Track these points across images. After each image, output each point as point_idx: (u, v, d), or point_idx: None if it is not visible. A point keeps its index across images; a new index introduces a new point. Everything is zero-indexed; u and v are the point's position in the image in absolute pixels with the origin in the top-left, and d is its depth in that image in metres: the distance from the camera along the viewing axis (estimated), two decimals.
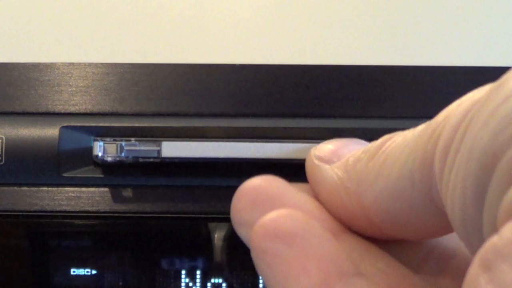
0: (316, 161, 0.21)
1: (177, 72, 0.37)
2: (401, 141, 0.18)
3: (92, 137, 0.37)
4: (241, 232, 0.20)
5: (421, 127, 0.18)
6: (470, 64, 0.37)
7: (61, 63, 0.37)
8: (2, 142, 0.36)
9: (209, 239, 0.36)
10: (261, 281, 0.35)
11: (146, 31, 0.42)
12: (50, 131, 0.36)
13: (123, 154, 0.29)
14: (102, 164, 0.34)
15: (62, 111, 0.37)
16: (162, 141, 0.27)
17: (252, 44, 0.41)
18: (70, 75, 0.37)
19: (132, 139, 0.29)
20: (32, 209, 0.36)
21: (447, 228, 0.18)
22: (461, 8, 0.42)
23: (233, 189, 0.21)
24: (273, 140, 0.27)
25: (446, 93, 0.37)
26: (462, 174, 0.15)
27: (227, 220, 0.36)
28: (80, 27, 0.41)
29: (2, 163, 0.36)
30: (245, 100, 0.37)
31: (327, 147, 0.22)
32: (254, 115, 0.37)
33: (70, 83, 0.37)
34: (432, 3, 0.42)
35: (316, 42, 0.41)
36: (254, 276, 0.36)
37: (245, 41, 0.41)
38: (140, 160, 0.29)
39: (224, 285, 0.36)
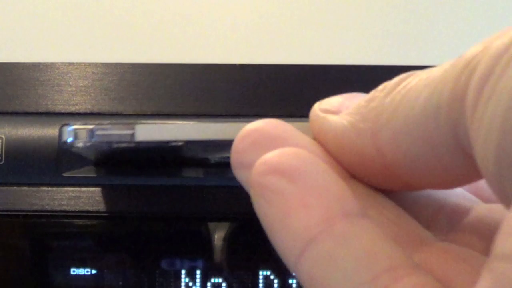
0: (322, 113, 0.20)
1: (177, 72, 0.37)
2: (425, 77, 0.17)
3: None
4: (241, 175, 0.19)
5: (451, 61, 0.17)
6: None
7: (61, 63, 0.37)
8: (2, 142, 0.36)
9: (209, 239, 0.36)
10: (261, 281, 0.35)
11: (146, 31, 0.42)
12: (50, 131, 0.36)
13: (94, 139, 0.27)
14: (77, 154, 0.32)
15: (62, 111, 0.37)
16: (135, 123, 0.25)
17: (252, 44, 0.41)
18: (70, 75, 0.37)
19: (105, 122, 0.27)
20: (32, 209, 0.36)
21: (470, 175, 0.17)
22: (461, 8, 0.42)
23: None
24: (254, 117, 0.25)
25: None
26: (504, 105, 0.14)
27: (227, 220, 0.36)
28: (80, 27, 0.42)
29: (2, 163, 0.36)
30: (245, 100, 0.37)
31: (334, 99, 0.21)
32: (254, 115, 0.37)
33: (70, 83, 0.37)
34: (432, 3, 0.42)
35: (316, 42, 0.41)
36: (254, 276, 0.35)
37: (245, 41, 0.41)
38: (114, 145, 0.27)
39: (224, 285, 0.36)
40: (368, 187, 0.19)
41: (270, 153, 0.17)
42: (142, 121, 0.25)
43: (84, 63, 0.37)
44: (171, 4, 0.43)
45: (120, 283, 0.36)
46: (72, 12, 0.42)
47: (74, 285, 0.36)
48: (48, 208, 0.35)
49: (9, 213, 0.36)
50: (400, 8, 0.42)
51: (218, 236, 0.36)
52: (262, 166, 0.17)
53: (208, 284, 0.35)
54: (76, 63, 0.37)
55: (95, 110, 0.37)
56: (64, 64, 0.37)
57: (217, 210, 0.35)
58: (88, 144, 0.26)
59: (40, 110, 0.37)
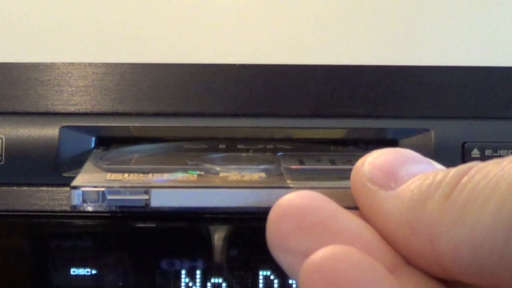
0: (369, 184, 0.18)
1: (177, 72, 0.37)
2: (484, 181, 0.16)
3: (93, 137, 0.37)
4: (284, 259, 0.17)
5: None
6: (470, 64, 0.37)
7: (61, 63, 0.37)
8: (2, 142, 0.36)
9: (209, 239, 0.36)
10: (261, 281, 0.35)
11: (146, 31, 0.41)
12: (50, 131, 0.36)
13: (105, 203, 0.25)
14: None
15: (62, 111, 0.37)
16: (150, 187, 0.24)
17: (252, 44, 0.41)
18: (70, 75, 0.37)
19: (115, 186, 0.25)
20: (32, 209, 0.36)
21: None
22: (461, 8, 0.42)
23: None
24: (277, 187, 0.24)
25: (447, 93, 0.37)
26: None
27: (227, 219, 0.36)
28: (80, 27, 0.41)
29: (2, 163, 0.36)
30: (245, 100, 0.37)
31: (379, 165, 0.19)
32: (254, 115, 0.37)
33: (70, 83, 0.37)
34: (433, 3, 0.42)
35: (315, 42, 0.41)
36: (254, 276, 0.35)
37: (245, 41, 0.41)
38: (125, 209, 0.26)
39: (224, 285, 0.36)
40: (421, 274, 0.18)
41: (321, 255, 0.16)
42: (156, 183, 0.24)
43: (84, 63, 0.37)
44: (171, 4, 0.43)
45: (120, 283, 0.36)
46: (72, 12, 0.42)
47: (74, 285, 0.36)
48: (48, 208, 0.35)
49: (9, 213, 0.36)
50: (400, 8, 0.42)
51: (218, 236, 0.36)
52: (315, 274, 0.16)
53: (208, 284, 0.35)
54: (76, 63, 0.37)
55: (95, 110, 0.37)
56: (64, 64, 0.37)
57: (217, 210, 0.35)
58: (99, 208, 0.25)
59: (40, 110, 0.37)
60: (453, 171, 0.17)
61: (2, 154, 0.36)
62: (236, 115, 0.37)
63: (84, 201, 0.25)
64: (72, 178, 0.35)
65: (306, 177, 0.28)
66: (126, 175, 0.27)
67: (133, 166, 0.31)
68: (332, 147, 0.36)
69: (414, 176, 0.18)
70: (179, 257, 0.36)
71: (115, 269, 0.36)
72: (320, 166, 0.30)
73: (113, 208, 0.25)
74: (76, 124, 0.36)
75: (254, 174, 0.27)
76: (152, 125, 0.37)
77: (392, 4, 0.42)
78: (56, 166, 0.36)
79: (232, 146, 0.36)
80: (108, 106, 0.37)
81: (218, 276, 0.35)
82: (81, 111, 0.37)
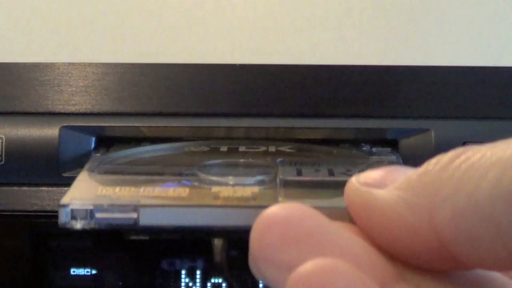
0: (364, 188, 0.18)
1: (177, 72, 0.37)
2: (489, 154, 0.16)
3: (93, 137, 0.37)
4: (268, 272, 0.17)
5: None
6: (470, 64, 0.37)
7: (61, 63, 0.37)
8: (2, 142, 0.36)
9: (209, 239, 0.36)
10: (261, 281, 0.35)
11: (146, 31, 0.42)
12: (50, 131, 0.36)
13: (93, 221, 0.25)
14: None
15: (62, 111, 0.37)
16: (139, 206, 0.24)
17: (252, 44, 0.41)
18: (70, 75, 0.37)
19: (105, 204, 0.25)
20: (32, 209, 0.36)
21: None
22: (462, 8, 0.42)
23: None
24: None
25: (447, 93, 0.37)
26: None
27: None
28: (80, 27, 0.42)
29: (2, 163, 0.36)
30: (245, 100, 0.37)
31: (374, 172, 0.19)
32: (254, 115, 0.37)
33: (70, 83, 0.37)
34: (433, 3, 0.42)
35: (316, 42, 0.41)
36: (254, 276, 0.35)
37: (245, 41, 0.41)
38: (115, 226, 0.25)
39: (224, 285, 0.36)
40: (415, 284, 0.17)
41: (308, 269, 0.15)
42: (145, 203, 0.24)
43: (84, 63, 0.37)
44: (171, 4, 0.43)
45: (120, 283, 0.36)
46: (72, 12, 0.42)
47: (74, 285, 0.36)
48: (48, 208, 0.35)
49: (9, 213, 0.36)
50: (400, 8, 0.42)
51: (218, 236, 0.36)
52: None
53: (208, 284, 0.35)
54: (76, 63, 0.37)
55: (95, 110, 0.37)
56: (64, 64, 0.37)
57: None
58: (87, 226, 0.25)
59: (40, 110, 0.37)
60: (450, 152, 0.17)
61: (2, 154, 0.36)
62: (236, 115, 0.37)
63: (72, 218, 0.25)
64: (72, 178, 0.35)
65: (301, 192, 0.28)
66: (118, 189, 0.26)
67: (127, 177, 0.31)
68: (334, 151, 0.36)
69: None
70: (179, 257, 0.36)
71: (115, 269, 0.36)
72: (317, 178, 0.29)
73: (102, 227, 0.25)
74: (76, 124, 0.36)
75: (248, 188, 0.27)
76: (152, 125, 0.37)
77: (392, 4, 0.42)
78: (56, 166, 0.36)
79: (233, 149, 0.36)
80: (108, 106, 0.37)
81: (218, 276, 0.35)
82: (81, 111, 0.37)
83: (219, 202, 0.25)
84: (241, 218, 0.23)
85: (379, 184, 0.18)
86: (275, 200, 0.26)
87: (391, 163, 0.33)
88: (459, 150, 0.17)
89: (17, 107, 0.37)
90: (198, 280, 0.35)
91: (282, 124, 0.37)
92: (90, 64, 0.37)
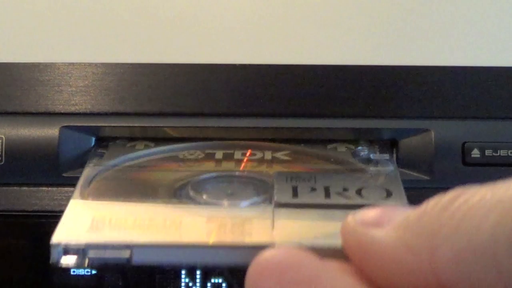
0: (361, 228, 0.18)
1: (177, 72, 0.37)
2: (488, 196, 0.16)
3: (93, 137, 0.37)
4: None
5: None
6: (470, 64, 0.37)
7: (61, 63, 0.37)
8: (2, 142, 0.36)
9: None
10: None
11: (146, 31, 0.41)
12: (50, 131, 0.36)
13: (86, 260, 0.24)
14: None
15: (62, 111, 0.37)
16: (132, 245, 0.24)
17: (252, 44, 0.41)
18: (70, 75, 0.37)
19: (100, 242, 0.24)
20: (32, 209, 0.36)
21: None
22: (461, 8, 0.42)
23: None
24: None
25: (446, 93, 0.37)
26: None
27: None
28: (80, 27, 0.41)
29: (2, 163, 0.36)
30: (245, 100, 0.37)
31: (370, 212, 0.19)
32: (254, 115, 0.37)
33: (70, 83, 0.37)
34: (433, 3, 0.42)
35: (316, 42, 0.41)
36: None
37: (245, 41, 0.41)
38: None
39: (224, 285, 0.36)
40: None
41: None
42: (139, 241, 0.24)
43: (84, 63, 0.37)
44: (171, 4, 0.43)
45: (120, 283, 0.36)
46: (72, 12, 0.42)
47: (74, 285, 0.36)
48: (48, 208, 0.35)
49: (9, 213, 0.36)
50: (400, 8, 0.42)
51: None
52: None
53: (208, 284, 0.35)
54: (76, 63, 0.37)
55: (95, 110, 0.37)
56: (64, 64, 0.37)
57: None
58: (80, 264, 0.24)
59: (40, 110, 0.37)
60: (449, 193, 0.17)
61: (2, 154, 0.36)
62: (236, 115, 0.37)
63: (64, 256, 0.24)
64: (72, 178, 0.35)
65: (296, 214, 0.28)
66: (111, 220, 0.26)
67: (120, 202, 0.30)
68: (332, 159, 0.36)
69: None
70: None
71: (115, 269, 0.36)
72: (312, 201, 0.29)
73: (95, 265, 0.25)
74: (76, 124, 0.36)
75: (242, 214, 0.27)
76: (152, 125, 0.37)
77: (392, 4, 0.42)
78: (56, 166, 0.36)
79: (229, 155, 0.36)
80: (108, 106, 0.37)
81: (218, 276, 0.35)
82: (81, 111, 0.37)
83: (212, 239, 0.25)
84: (235, 256, 0.23)
85: (377, 223, 0.18)
86: (269, 234, 0.25)
87: (388, 176, 0.33)
88: (458, 191, 0.17)
89: (17, 107, 0.37)
90: (198, 280, 0.35)
91: (282, 124, 0.37)
92: (90, 64, 0.37)
